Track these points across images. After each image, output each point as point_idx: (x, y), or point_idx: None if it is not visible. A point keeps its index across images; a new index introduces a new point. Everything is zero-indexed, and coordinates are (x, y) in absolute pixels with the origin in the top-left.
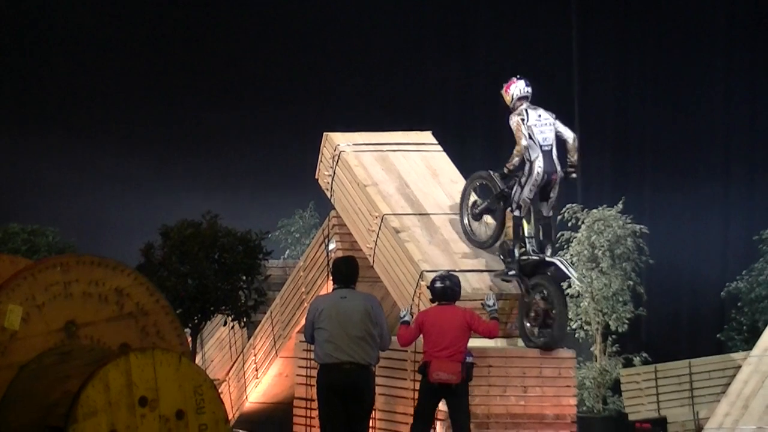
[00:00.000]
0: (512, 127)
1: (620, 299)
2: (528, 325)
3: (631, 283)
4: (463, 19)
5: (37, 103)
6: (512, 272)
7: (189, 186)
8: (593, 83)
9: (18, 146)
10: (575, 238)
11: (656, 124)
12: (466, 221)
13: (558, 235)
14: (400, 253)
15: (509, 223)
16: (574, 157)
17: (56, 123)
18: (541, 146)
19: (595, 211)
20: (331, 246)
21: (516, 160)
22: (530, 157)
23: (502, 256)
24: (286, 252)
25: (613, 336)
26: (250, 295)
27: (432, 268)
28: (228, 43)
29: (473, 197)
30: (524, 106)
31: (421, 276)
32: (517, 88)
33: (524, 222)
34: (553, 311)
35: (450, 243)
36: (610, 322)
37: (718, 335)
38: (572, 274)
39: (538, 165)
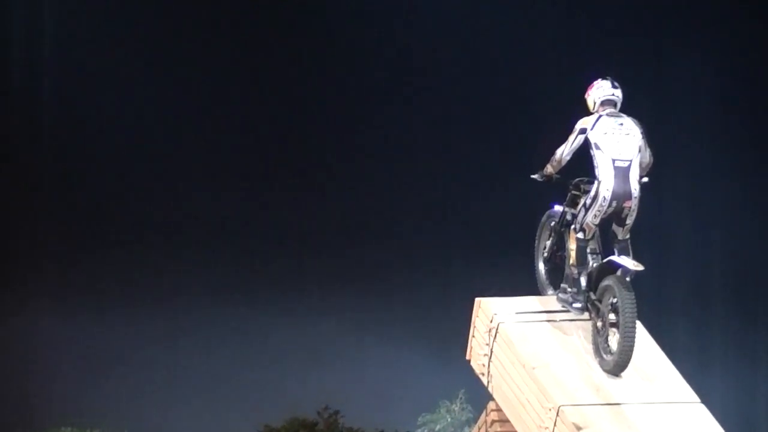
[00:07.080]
0: None
1: None
2: (603, 356)
3: None
4: None
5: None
6: (578, 305)
7: (299, 366)
8: None
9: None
10: None
11: None
12: (540, 268)
13: None
14: None
15: (573, 246)
16: (641, 173)
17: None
18: (613, 161)
19: None
20: None
21: (548, 169)
22: (598, 175)
23: (565, 285)
24: None
25: None
26: None
27: None
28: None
29: (547, 240)
30: (605, 112)
31: None
32: (600, 90)
33: (590, 244)
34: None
35: None
36: None
37: None
38: (626, 262)
39: (606, 188)
